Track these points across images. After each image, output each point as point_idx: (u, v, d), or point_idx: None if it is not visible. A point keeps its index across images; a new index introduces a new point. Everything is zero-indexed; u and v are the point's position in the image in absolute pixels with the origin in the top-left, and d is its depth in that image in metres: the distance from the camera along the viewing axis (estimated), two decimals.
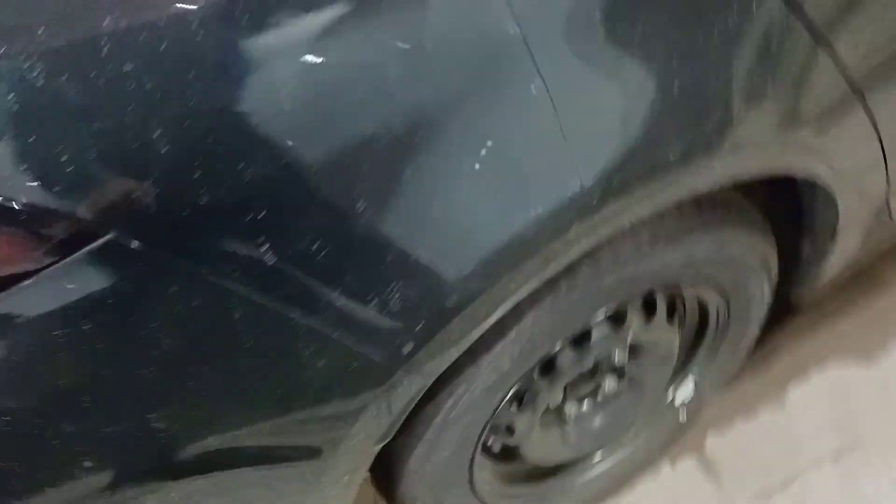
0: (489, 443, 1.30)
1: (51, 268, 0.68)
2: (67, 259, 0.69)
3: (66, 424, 0.76)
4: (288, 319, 0.79)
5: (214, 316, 0.76)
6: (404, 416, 0.97)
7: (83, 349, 0.72)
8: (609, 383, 1.38)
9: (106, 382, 0.76)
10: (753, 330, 1.44)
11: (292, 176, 0.73)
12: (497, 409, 1.16)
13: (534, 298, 1.03)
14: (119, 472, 0.81)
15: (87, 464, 0.79)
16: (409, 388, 0.91)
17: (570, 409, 1.38)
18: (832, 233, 1.27)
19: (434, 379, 0.94)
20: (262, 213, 0.73)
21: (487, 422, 1.16)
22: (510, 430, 1.27)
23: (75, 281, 0.69)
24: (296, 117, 0.71)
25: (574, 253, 0.93)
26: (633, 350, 1.36)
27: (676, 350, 1.38)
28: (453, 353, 0.92)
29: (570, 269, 1.03)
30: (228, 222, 0.73)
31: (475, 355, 1.04)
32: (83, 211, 0.67)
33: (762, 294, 1.35)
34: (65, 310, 0.70)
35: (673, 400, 1.52)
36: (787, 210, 1.34)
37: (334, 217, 0.76)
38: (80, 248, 0.69)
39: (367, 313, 0.82)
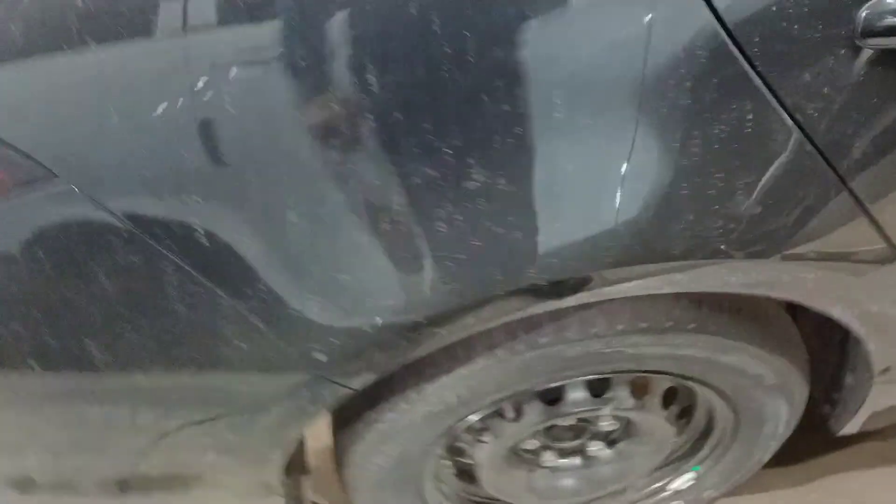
0: (446, 462, 1.33)
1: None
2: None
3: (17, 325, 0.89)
4: (216, 296, 0.86)
5: (150, 275, 0.85)
6: (329, 413, 1.01)
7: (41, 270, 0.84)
8: (594, 447, 1.35)
9: (54, 299, 0.87)
10: (767, 446, 1.34)
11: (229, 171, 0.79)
12: (447, 435, 1.18)
13: (488, 345, 1.03)
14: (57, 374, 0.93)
15: (31, 363, 0.91)
16: (330, 391, 0.96)
17: (547, 458, 1.36)
18: (869, 374, 1.16)
19: (357, 389, 0.97)
20: (196, 201, 0.80)
21: (433, 444, 1.18)
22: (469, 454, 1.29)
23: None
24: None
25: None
26: (627, 427, 1.32)
27: (670, 440, 1.31)
28: (372, 376, 0.95)
29: (532, 328, 1.02)
30: (169, 198, 0.80)
31: (419, 380, 1.07)
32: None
33: (778, 416, 1.25)
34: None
35: (668, 484, 1.45)
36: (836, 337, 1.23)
37: (266, 218, 0.82)
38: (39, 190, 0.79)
39: (288, 313, 0.87)
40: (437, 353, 1.05)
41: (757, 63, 0.76)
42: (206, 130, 0.78)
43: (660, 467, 1.45)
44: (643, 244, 0.83)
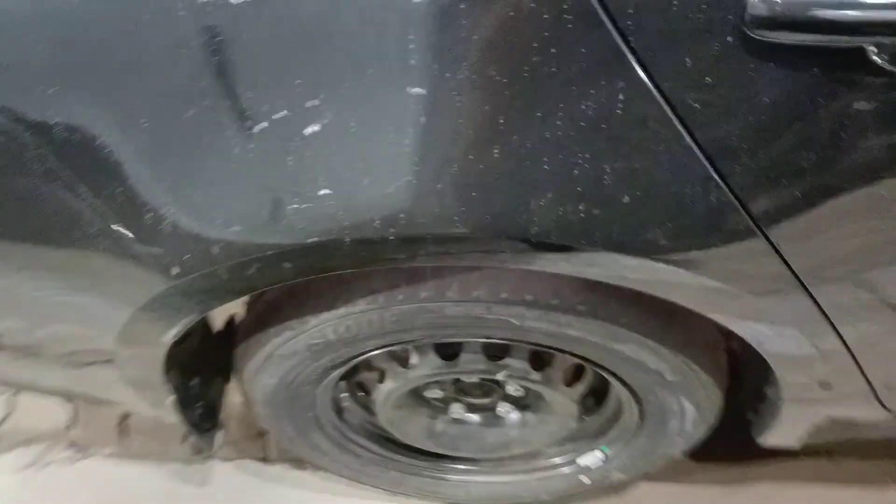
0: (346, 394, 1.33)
1: None
2: None
3: None
4: (78, 191, 0.86)
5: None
6: (194, 325, 1.00)
7: None
8: (502, 409, 1.33)
9: None
10: (674, 441, 1.29)
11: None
12: (338, 368, 1.17)
13: (368, 290, 1.01)
14: None
15: None
16: (189, 305, 0.95)
17: (454, 409, 1.35)
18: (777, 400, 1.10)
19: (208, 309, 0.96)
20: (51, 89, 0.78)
21: (321, 375, 1.18)
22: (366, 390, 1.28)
23: None
24: None
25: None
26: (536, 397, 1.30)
27: (572, 417, 1.28)
28: (231, 296, 0.94)
29: (413, 281, 0.99)
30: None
31: (303, 311, 1.06)
32: None
33: (683, 414, 1.20)
34: None
35: (577, 458, 1.42)
36: None
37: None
38: None
39: (145, 220, 0.86)
40: (320, 286, 1.04)
41: (631, 38, 0.69)
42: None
43: (571, 440, 1.42)
44: (496, 217, 0.78)
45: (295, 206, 0.78)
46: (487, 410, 1.38)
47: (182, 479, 1.66)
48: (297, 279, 0.88)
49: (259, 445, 1.71)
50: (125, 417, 1.76)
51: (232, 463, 1.68)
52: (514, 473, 1.47)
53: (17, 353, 1.15)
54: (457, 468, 1.48)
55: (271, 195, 0.79)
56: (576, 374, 1.26)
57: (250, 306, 1.19)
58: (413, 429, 1.35)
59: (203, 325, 1.26)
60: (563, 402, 1.24)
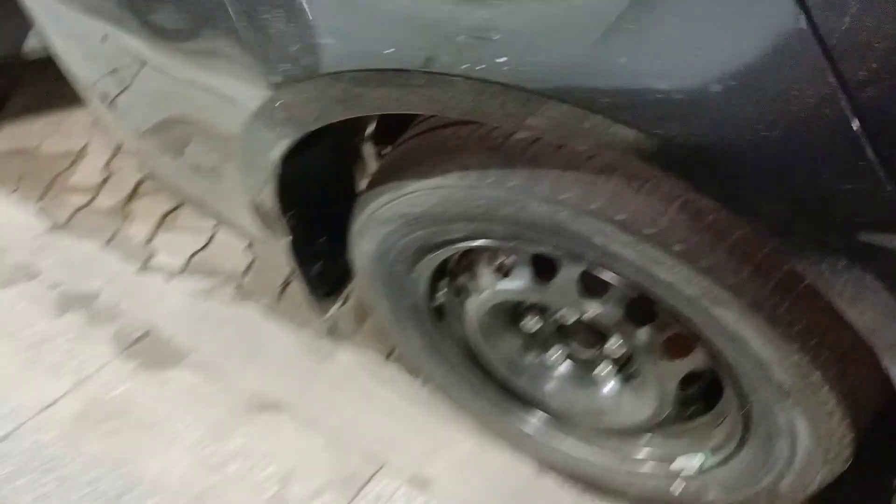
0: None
1: None
2: None
3: None
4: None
5: None
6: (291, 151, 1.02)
7: None
8: (603, 369, 1.21)
9: None
10: (780, 472, 1.07)
11: None
12: (426, 251, 1.13)
13: (462, 164, 0.96)
14: None
15: None
16: (286, 126, 0.97)
17: (552, 353, 1.25)
18: None
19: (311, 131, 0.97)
20: None
21: (413, 254, 1.14)
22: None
23: None
24: None
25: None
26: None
27: (668, 394, 1.11)
28: (333, 115, 0.93)
29: (507, 164, 0.92)
30: None
31: (402, 175, 1.04)
32: None
33: (793, 434, 0.99)
34: None
35: (677, 456, 1.24)
36: None
37: None
38: None
39: (254, 28, 0.88)
40: (421, 153, 1.01)
41: None
42: None
43: (670, 436, 1.24)
44: None
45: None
46: (582, 366, 1.25)
47: (304, 349, 1.74)
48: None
49: (386, 346, 1.73)
50: (288, 282, 1.88)
51: (356, 352, 1.72)
52: (605, 453, 1.33)
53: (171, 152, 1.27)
54: (543, 425, 1.37)
55: None
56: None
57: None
58: (502, 349, 1.27)
59: (341, 184, 1.28)
60: (660, 375, 1.09)
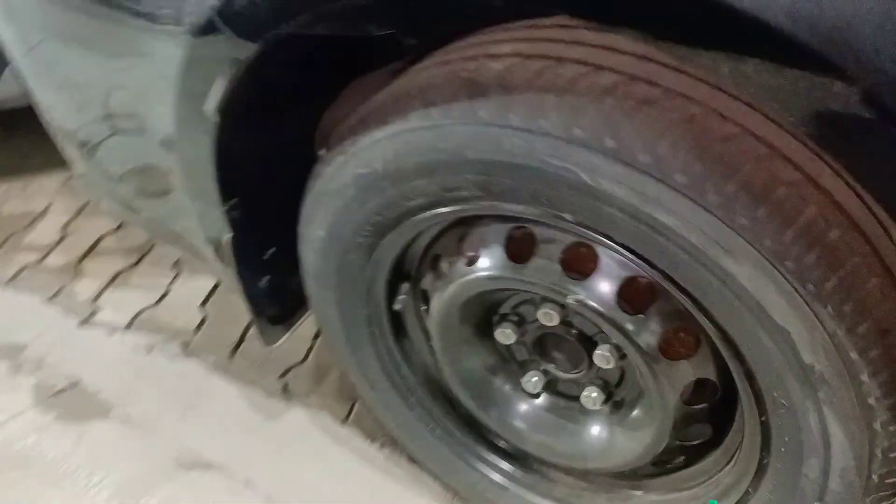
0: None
1: None
2: None
3: None
4: None
5: None
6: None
7: None
8: (589, 394, 1.01)
9: None
10: None
11: None
12: (383, 230, 0.96)
13: (424, 102, 0.82)
14: None
15: None
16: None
17: (528, 379, 1.06)
18: None
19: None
20: None
21: (370, 239, 0.98)
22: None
23: None
24: None
25: None
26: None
27: (670, 409, 0.91)
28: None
29: (473, 94, 0.78)
30: None
31: (355, 131, 0.90)
32: None
33: (827, 445, 0.79)
34: None
35: None
36: None
37: None
38: None
39: None
40: (375, 102, 0.88)
41: None
42: None
43: (675, 488, 1.03)
44: None
45: None
46: (564, 398, 1.06)
47: (252, 408, 1.54)
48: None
49: (344, 407, 1.52)
50: (243, 339, 1.70)
51: (307, 411, 1.52)
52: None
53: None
54: (521, 477, 1.15)
55: None
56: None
57: None
58: (468, 368, 1.07)
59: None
60: (659, 387, 0.89)
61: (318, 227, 1.01)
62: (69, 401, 1.56)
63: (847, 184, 0.72)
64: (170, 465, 1.40)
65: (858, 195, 0.72)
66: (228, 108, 0.88)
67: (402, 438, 1.23)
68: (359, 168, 0.91)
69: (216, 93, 0.87)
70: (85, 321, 1.79)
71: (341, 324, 1.12)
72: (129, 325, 1.78)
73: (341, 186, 0.94)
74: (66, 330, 1.77)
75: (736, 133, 0.71)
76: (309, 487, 1.36)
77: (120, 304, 1.84)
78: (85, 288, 1.91)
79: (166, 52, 0.86)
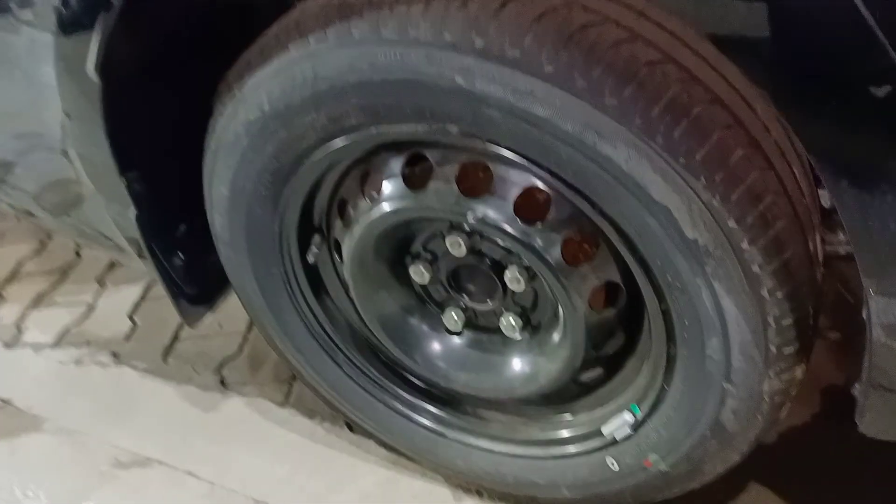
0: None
1: None
2: None
3: None
4: None
5: None
6: None
7: None
8: (507, 321, 1.02)
9: None
10: (720, 397, 0.88)
11: None
12: (285, 176, 0.97)
13: (299, 31, 0.84)
14: None
15: None
16: None
17: (448, 316, 1.07)
18: None
19: None
20: None
21: (274, 188, 0.98)
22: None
23: None
24: None
25: None
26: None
27: (581, 319, 0.93)
28: None
29: (344, 16, 0.80)
30: None
31: (241, 75, 0.91)
32: None
33: (722, 322, 0.82)
34: None
35: (602, 425, 1.04)
36: None
37: None
38: None
39: None
40: (258, 46, 0.89)
41: None
42: None
43: (598, 404, 1.05)
44: None
45: None
46: (484, 331, 1.07)
47: (190, 403, 1.52)
48: None
49: (282, 391, 1.51)
50: (174, 342, 1.68)
51: (245, 399, 1.50)
52: (526, 444, 1.11)
53: None
54: (455, 420, 1.16)
55: None
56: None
57: None
58: (387, 312, 1.08)
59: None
60: (570, 297, 0.91)
61: (220, 185, 1.01)
62: None
63: (707, 62, 0.76)
64: (107, 467, 1.37)
65: (718, 70, 0.76)
66: (110, 66, 0.88)
67: (337, 401, 1.23)
68: (248, 114, 0.91)
69: (93, 50, 0.87)
70: (10, 343, 1.75)
71: (259, 288, 1.12)
72: (57, 342, 1.73)
73: (235, 137, 0.94)
74: None
75: (596, 20, 0.74)
76: (252, 471, 1.34)
77: (45, 323, 1.80)
78: (7, 312, 1.86)
79: (35, 38, 0.86)
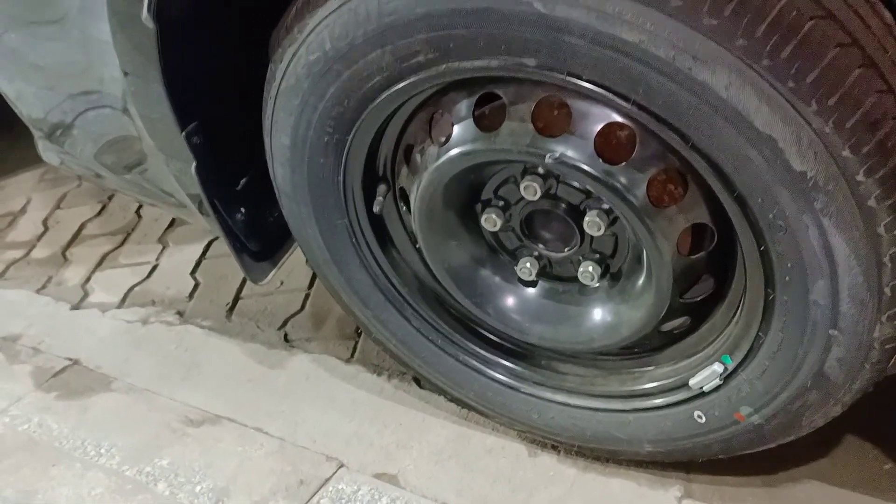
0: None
1: None
2: None
3: None
4: None
5: None
6: None
7: None
8: (586, 269, 0.97)
9: None
10: (824, 348, 0.81)
11: None
12: (348, 123, 0.92)
13: None
14: None
15: None
16: None
17: (523, 265, 1.02)
18: None
19: None
20: None
21: (337, 135, 0.93)
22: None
23: None
24: None
25: None
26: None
27: (669, 264, 0.87)
28: None
29: None
30: None
31: (302, 15, 0.85)
32: None
33: (832, 261, 0.75)
34: None
35: (689, 377, 0.98)
36: None
37: None
38: None
39: None
40: None
41: None
42: None
43: (685, 355, 0.99)
44: None
45: None
46: (562, 280, 1.02)
47: (256, 360, 1.51)
48: None
49: (347, 347, 1.49)
50: (237, 301, 1.67)
51: (310, 356, 1.48)
52: (605, 398, 1.06)
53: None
54: (530, 374, 1.11)
55: None
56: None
57: None
58: (457, 263, 1.03)
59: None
60: (656, 241, 0.85)
61: (280, 134, 0.97)
62: (69, 380, 1.53)
63: None
64: (178, 425, 1.37)
65: None
66: (164, 10, 0.84)
67: (406, 356, 1.19)
68: (309, 55, 0.86)
69: None
70: (77, 305, 1.77)
71: (323, 241, 1.08)
72: (122, 302, 1.75)
73: (296, 82, 0.90)
74: (59, 315, 1.74)
75: None
76: (321, 427, 1.32)
77: (110, 284, 1.82)
78: (73, 274, 1.88)
79: None
